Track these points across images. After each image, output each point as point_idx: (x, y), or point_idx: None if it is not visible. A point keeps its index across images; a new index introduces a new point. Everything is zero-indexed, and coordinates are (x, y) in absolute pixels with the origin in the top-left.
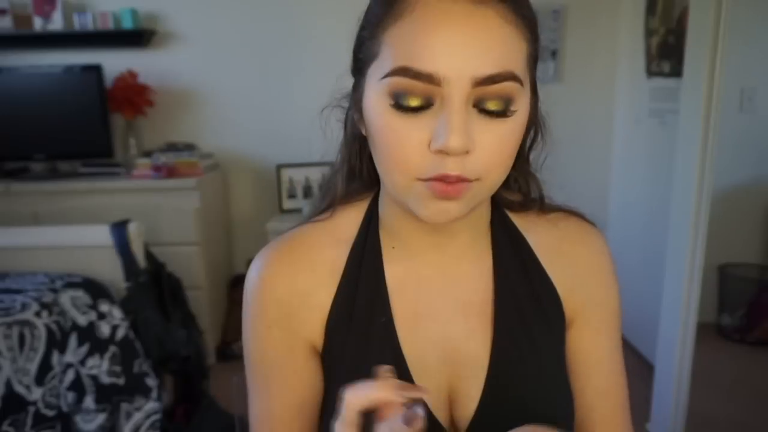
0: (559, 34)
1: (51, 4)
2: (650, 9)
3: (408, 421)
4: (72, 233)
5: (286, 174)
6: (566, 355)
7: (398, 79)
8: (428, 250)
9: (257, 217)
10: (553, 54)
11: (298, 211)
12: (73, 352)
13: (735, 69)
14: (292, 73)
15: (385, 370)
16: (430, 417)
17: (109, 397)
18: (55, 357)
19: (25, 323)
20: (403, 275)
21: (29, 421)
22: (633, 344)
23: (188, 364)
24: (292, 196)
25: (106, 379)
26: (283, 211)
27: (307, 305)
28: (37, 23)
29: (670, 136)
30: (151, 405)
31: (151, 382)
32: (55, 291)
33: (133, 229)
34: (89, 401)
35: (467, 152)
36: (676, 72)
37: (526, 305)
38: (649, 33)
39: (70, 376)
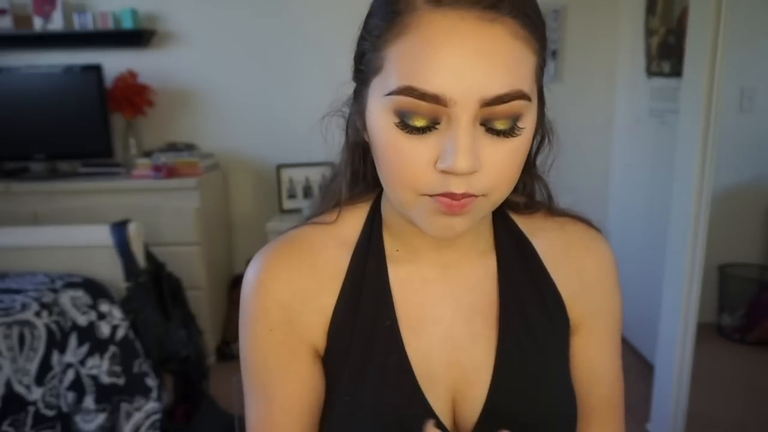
0: (559, 34)
1: (51, 4)
2: (650, 9)
3: None
4: (72, 233)
5: (286, 174)
6: (570, 361)
7: (403, 98)
8: (432, 252)
9: (257, 217)
10: (553, 54)
11: (298, 211)
12: (73, 352)
13: (735, 69)
14: (292, 73)
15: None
16: (435, 420)
17: (109, 397)
18: (55, 357)
19: (25, 323)
20: (407, 278)
21: (29, 421)
22: (633, 344)
23: (188, 364)
24: (292, 196)
25: (106, 379)
26: (283, 211)
27: (310, 308)
28: (37, 23)
29: (670, 136)
30: (151, 405)
31: (151, 382)
32: (55, 291)
33: (133, 229)
34: (89, 401)
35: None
36: (676, 72)
37: (530, 308)
38: (649, 33)
39: (70, 376)
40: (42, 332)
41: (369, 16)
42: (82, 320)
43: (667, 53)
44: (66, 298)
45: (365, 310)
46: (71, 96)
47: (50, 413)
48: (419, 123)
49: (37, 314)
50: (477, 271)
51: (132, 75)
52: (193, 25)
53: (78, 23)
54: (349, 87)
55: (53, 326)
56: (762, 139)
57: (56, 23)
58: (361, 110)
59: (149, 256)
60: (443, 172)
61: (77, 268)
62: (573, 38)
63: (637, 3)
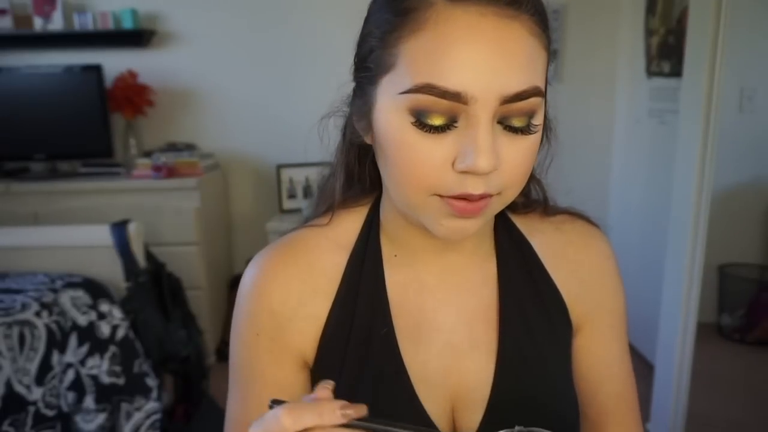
0: (559, 34)
1: (51, 4)
2: (650, 9)
3: None
4: (72, 233)
5: (286, 174)
6: (576, 362)
7: (421, 96)
8: (431, 257)
9: (257, 217)
10: (553, 54)
11: (298, 211)
12: (73, 352)
13: (735, 69)
14: (292, 73)
15: (324, 384)
16: (434, 428)
17: (109, 397)
18: (55, 357)
19: (25, 323)
20: (404, 283)
21: (29, 421)
22: (633, 344)
23: (188, 364)
24: (292, 196)
25: (106, 379)
26: (283, 211)
27: (301, 315)
28: (37, 23)
29: (670, 136)
30: (151, 405)
31: (151, 382)
32: (55, 291)
33: (133, 229)
34: (89, 401)
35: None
36: (676, 72)
37: (531, 312)
38: (649, 33)
39: (70, 376)
40: (42, 332)
41: (374, 12)
42: (82, 320)
43: (667, 53)
44: (66, 298)
45: (361, 316)
46: (71, 96)
47: (50, 413)
48: (437, 121)
49: (37, 314)
50: (476, 275)
51: (132, 75)
52: (193, 25)
53: (78, 23)
54: (349, 87)
55: (53, 326)
56: (762, 139)
57: (56, 23)
58: (366, 110)
59: (149, 256)
60: (462, 172)
61: (77, 268)
62: (573, 38)
63: (637, 3)
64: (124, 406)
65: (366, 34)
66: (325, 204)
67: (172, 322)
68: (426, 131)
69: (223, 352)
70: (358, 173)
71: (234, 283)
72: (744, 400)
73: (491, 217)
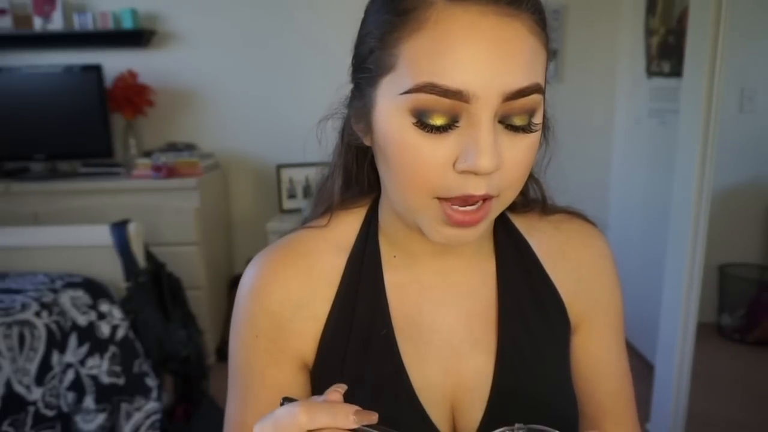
0: (559, 34)
1: (51, 4)
2: (650, 9)
3: None
4: (72, 233)
5: (286, 174)
6: (574, 360)
7: (422, 96)
8: (430, 258)
9: (257, 217)
10: (553, 54)
11: (298, 211)
12: (73, 352)
13: (735, 69)
14: (293, 73)
15: (336, 388)
16: (434, 429)
17: (109, 397)
18: (55, 357)
19: (25, 323)
20: (403, 284)
21: (29, 421)
22: (633, 344)
23: (188, 364)
24: (292, 196)
25: (106, 379)
26: (283, 211)
27: (300, 317)
28: (37, 23)
29: (670, 136)
30: (151, 405)
31: (151, 382)
32: (55, 291)
33: (133, 229)
34: (89, 401)
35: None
36: (676, 72)
37: (529, 311)
38: (649, 33)
39: (70, 376)
40: (42, 332)
41: (372, 13)
42: (82, 320)
43: (667, 53)
44: (66, 298)
45: (360, 317)
46: (71, 96)
47: (50, 413)
48: (439, 121)
49: (37, 314)
50: (476, 275)
51: (132, 75)
52: (193, 25)
53: (78, 23)
54: (347, 88)
55: (53, 326)
56: (762, 139)
57: (56, 23)
58: (365, 112)
59: (149, 256)
60: (463, 172)
61: (77, 268)
62: (573, 38)
63: (637, 3)
64: (124, 406)
65: (364, 35)
66: (324, 205)
67: (172, 322)
68: (427, 132)
69: (223, 352)
70: (357, 175)
71: (234, 283)
72: (744, 400)
73: (491, 221)
